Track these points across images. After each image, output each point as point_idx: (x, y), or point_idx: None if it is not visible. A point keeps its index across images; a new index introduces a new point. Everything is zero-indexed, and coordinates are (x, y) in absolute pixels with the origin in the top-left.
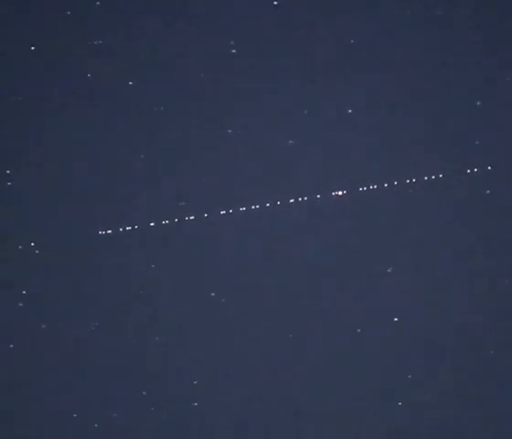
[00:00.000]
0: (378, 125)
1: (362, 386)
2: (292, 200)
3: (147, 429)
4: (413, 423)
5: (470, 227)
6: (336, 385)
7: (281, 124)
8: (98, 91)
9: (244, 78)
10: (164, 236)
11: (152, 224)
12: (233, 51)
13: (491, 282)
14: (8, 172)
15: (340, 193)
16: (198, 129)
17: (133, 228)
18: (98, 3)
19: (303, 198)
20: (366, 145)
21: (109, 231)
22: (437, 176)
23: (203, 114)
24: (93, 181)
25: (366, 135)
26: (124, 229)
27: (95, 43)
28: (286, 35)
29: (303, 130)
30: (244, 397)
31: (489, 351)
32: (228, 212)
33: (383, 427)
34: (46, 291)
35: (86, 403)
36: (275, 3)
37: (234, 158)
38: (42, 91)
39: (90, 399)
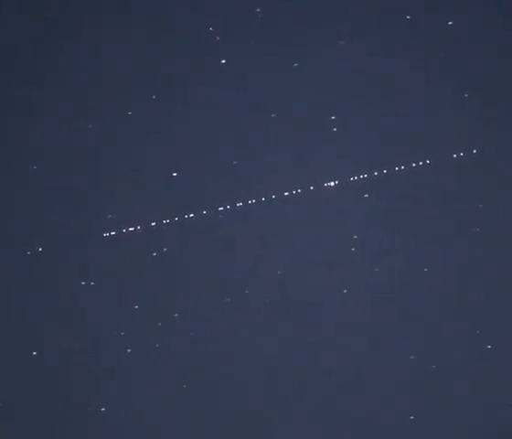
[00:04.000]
0: (361, 115)
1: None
2: (286, 193)
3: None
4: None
5: (456, 211)
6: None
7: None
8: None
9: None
10: (165, 234)
11: (153, 224)
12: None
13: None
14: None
15: (332, 184)
16: (191, 126)
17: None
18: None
19: (296, 191)
20: (351, 136)
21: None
22: (424, 163)
23: (194, 111)
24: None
25: (351, 126)
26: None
27: (93, 44)
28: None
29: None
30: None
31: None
32: (225, 208)
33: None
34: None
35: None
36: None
37: (231, 154)
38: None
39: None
